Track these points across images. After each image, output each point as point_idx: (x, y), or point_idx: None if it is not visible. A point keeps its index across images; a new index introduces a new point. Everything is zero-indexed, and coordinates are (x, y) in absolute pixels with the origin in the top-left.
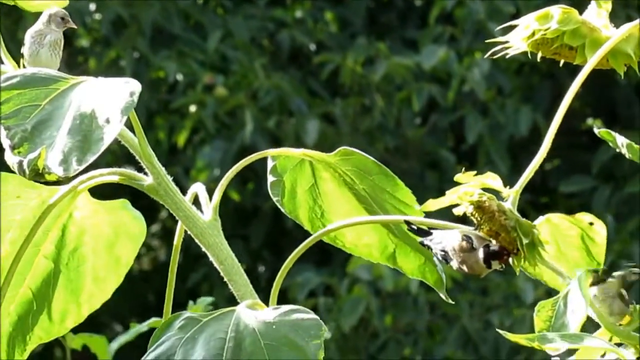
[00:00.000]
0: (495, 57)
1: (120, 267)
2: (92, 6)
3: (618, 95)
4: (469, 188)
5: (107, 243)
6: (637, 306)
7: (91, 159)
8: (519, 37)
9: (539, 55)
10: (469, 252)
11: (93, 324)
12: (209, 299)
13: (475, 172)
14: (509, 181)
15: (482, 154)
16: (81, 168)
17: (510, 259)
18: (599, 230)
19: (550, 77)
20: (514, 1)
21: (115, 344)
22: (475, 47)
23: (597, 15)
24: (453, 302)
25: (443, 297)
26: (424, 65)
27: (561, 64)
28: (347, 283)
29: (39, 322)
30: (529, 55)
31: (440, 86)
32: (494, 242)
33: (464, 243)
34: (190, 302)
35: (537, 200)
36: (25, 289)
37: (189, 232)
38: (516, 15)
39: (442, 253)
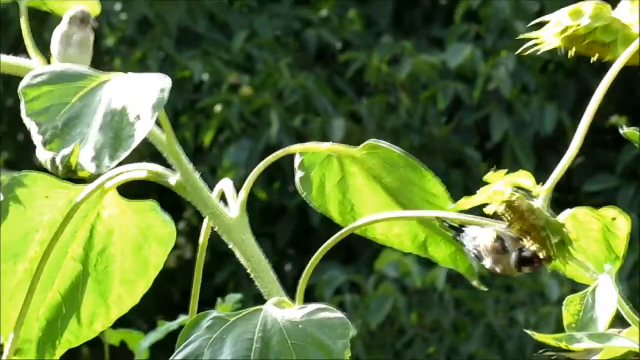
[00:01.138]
0: (524, 54)
1: (149, 271)
2: (118, 6)
3: None
4: (499, 187)
5: (135, 245)
6: None
7: (123, 155)
8: (551, 33)
9: (572, 51)
10: (502, 254)
11: (119, 321)
12: (238, 297)
13: (506, 170)
14: (535, 179)
15: (507, 152)
16: (114, 165)
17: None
18: (621, 225)
19: (575, 76)
20: (539, 0)
21: (147, 342)
22: (500, 46)
23: (629, 11)
24: (480, 298)
25: (475, 284)
26: (450, 63)
27: (589, 62)
28: (374, 280)
29: (68, 326)
30: (557, 52)
31: (465, 84)
32: (526, 243)
33: (497, 244)
34: (219, 300)
35: (563, 198)
36: (54, 293)
37: (215, 230)
38: (541, 14)
39: (476, 252)
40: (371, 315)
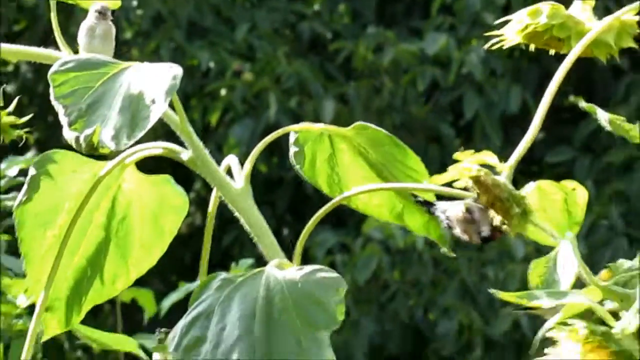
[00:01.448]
0: (492, 48)
1: (164, 237)
2: (135, 3)
3: (596, 77)
4: (467, 164)
5: (152, 214)
6: (618, 262)
7: (139, 134)
8: (513, 30)
9: (532, 45)
10: (470, 223)
11: (137, 280)
12: (250, 261)
13: (473, 150)
14: (502, 152)
15: (477, 128)
16: (131, 143)
17: (505, 226)
18: (581, 195)
19: (537, 61)
20: None
21: (168, 302)
22: (471, 35)
23: (581, 10)
24: (454, 257)
25: (445, 251)
26: (427, 50)
27: (549, 53)
28: (361, 242)
29: (93, 285)
30: (521, 45)
31: (441, 69)
32: (492, 214)
33: (466, 214)
34: (233, 264)
35: (527, 169)
36: (80, 257)
37: (222, 199)
38: (507, 7)
39: (447, 222)
40: (358, 273)
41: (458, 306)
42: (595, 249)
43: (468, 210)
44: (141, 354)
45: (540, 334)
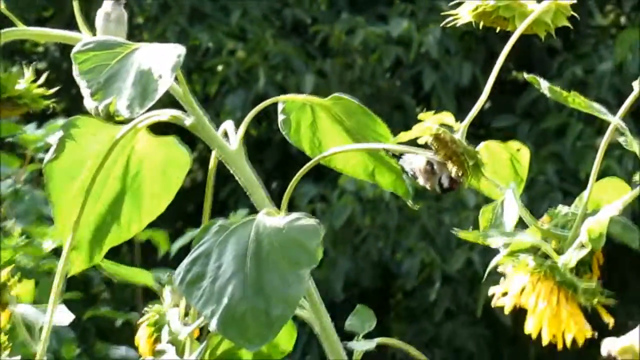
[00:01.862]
0: (447, 26)
1: (171, 188)
2: None
3: (534, 55)
4: (429, 124)
5: (161, 169)
6: (556, 209)
7: (149, 104)
8: (466, 10)
9: (481, 24)
10: (431, 174)
11: (149, 225)
12: (245, 211)
13: (433, 112)
14: (456, 119)
15: (434, 98)
16: (142, 111)
17: (461, 179)
18: (524, 154)
19: (484, 41)
20: None
21: (177, 245)
22: (429, 20)
23: None
24: (417, 206)
25: (409, 204)
26: (392, 33)
27: (495, 31)
28: (337, 193)
29: (111, 229)
30: (472, 24)
31: (403, 49)
32: (449, 166)
33: (427, 166)
34: (232, 213)
35: (476, 133)
36: (100, 205)
37: (220, 159)
38: None
39: (412, 172)
40: (335, 219)
41: (419, 247)
42: (535, 200)
43: (429, 162)
44: (155, 285)
45: (492, 263)
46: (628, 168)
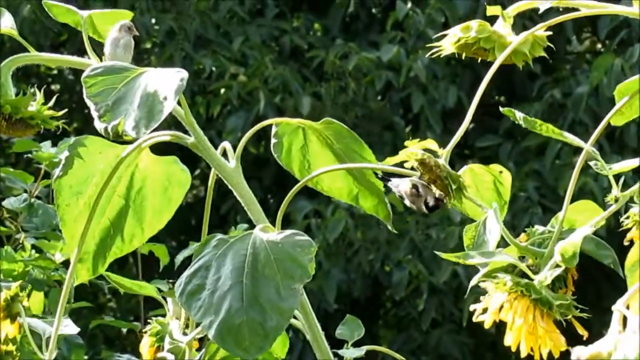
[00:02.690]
0: (433, 56)
1: (171, 205)
2: (153, 20)
3: (515, 78)
4: (414, 149)
5: (162, 186)
6: (534, 228)
7: (154, 125)
8: (449, 42)
9: (463, 55)
10: (416, 197)
11: (154, 238)
12: (245, 226)
13: (418, 138)
14: (442, 138)
15: (423, 120)
16: (148, 132)
17: (445, 200)
18: (506, 177)
19: (470, 67)
20: (444, 14)
21: (181, 256)
22: (417, 46)
23: (503, 26)
24: (407, 216)
25: (389, 227)
26: (383, 58)
27: (478, 60)
28: (331, 208)
29: (115, 242)
30: (456, 54)
31: (394, 73)
32: (434, 189)
33: (413, 189)
34: (232, 228)
35: (461, 152)
36: (105, 219)
37: (219, 176)
38: (445, 24)
39: (399, 194)
40: (329, 233)
41: (408, 260)
42: (516, 215)
43: (414, 186)
44: (158, 296)
45: (472, 282)
46: (604, 185)
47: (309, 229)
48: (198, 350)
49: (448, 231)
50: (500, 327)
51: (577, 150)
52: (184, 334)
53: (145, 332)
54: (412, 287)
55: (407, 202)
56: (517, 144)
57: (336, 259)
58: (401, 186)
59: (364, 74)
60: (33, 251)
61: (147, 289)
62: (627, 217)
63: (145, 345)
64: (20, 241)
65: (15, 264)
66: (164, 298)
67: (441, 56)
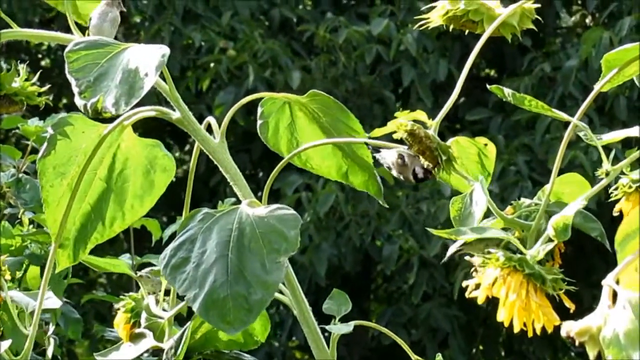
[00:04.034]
0: (421, 28)
1: (154, 190)
2: None
3: (506, 51)
4: (404, 120)
5: (144, 170)
6: (520, 200)
7: (135, 101)
8: (437, 14)
9: (451, 27)
10: (403, 167)
11: (146, 214)
12: (232, 200)
13: (408, 109)
14: (433, 112)
15: (413, 93)
16: (128, 108)
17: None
18: (490, 149)
19: (460, 39)
20: None
21: (169, 231)
22: (407, 20)
23: None
24: (396, 197)
25: (380, 202)
26: (373, 32)
27: (466, 32)
28: (322, 182)
29: (95, 228)
30: (444, 26)
31: (384, 46)
32: (423, 160)
33: (399, 160)
34: (220, 202)
35: (452, 126)
36: (86, 204)
37: (204, 151)
38: None
39: (387, 166)
40: (319, 207)
41: (399, 234)
42: (506, 188)
43: (400, 156)
44: (132, 273)
45: (450, 250)
46: (593, 158)
47: (300, 203)
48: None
49: (438, 205)
50: (491, 299)
51: (567, 124)
52: (163, 309)
53: (119, 309)
54: (402, 261)
55: (394, 173)
56: (507, 117)
57: (327, 233)
58: (387, 157)
59: (354, 48)
60: (31, 226)
61: (121, 266)
62: (616, 188)
63: (121, 322)
64: (19, 216)
65: (13, 240)
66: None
67: (429, 28)
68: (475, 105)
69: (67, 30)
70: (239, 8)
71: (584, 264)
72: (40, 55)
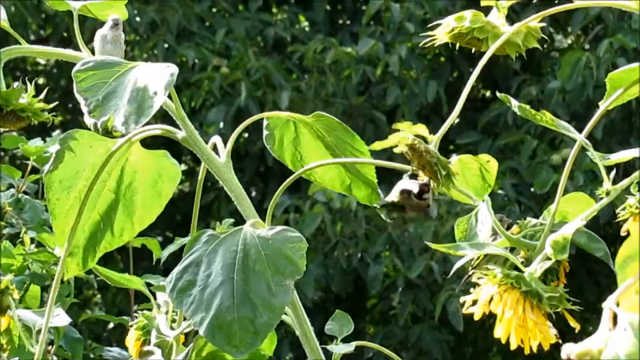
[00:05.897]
0: (420, 45)
1: (161, 199)
2: (135, 12)
3: (499, 73)
4: (404, 134)
5: (152, 180)
6: (526, 220)
7: (144, 120)
8: (442, 32)
9: (457, 44)
10: (408, 199)
11: (139, 233)
12: (231, 221)
13: (410, 122)
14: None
15: (399, 115)
16: (138, 127)
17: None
18: (492, 165)
19: (450, 61)
20: (423, 8)
21: (167, 252)
22: (395, 40)
23: (497, 17)
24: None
25: (383, 217)
26: (360, 52)
27: (459, 52)
28: (309, 203)
29: (104, 237)
30: (434, 46)
31: (371, 67)
32: (422, 175)
33: (403, 195)
34: (217, 223)
35: (444, 147)
36: (95, 214)
37: (210, 171)
38: (425, 18)
39: (395, 204)
40: (307, 227)
41: (385, 255)
42: (494, 212)
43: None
44: (146, 290)
45: (456, 266)
46: (579, 183)
47: (287, 224)
48: (184, 344)
49: (425, 226)
50: (482, 323)
51: (553, 147)
52: (172, 328)
53: (132, 326)
54: (388, 281)
55: (408, 212)
56: (495, 141)
57: (314, 254)
58: (391, 197)
59: (343, 68)
60: (32, 245)
61: (135, 283)
62: (624, 209)
63: (132, 339)
64: (21, 235)
65: (14, 259)
66: (153, 293)
67: (426, 46)
68: (465, 127)
69: (62, 46)
70: (233, 26)
71: (574, 286)
72: (34, 74)
